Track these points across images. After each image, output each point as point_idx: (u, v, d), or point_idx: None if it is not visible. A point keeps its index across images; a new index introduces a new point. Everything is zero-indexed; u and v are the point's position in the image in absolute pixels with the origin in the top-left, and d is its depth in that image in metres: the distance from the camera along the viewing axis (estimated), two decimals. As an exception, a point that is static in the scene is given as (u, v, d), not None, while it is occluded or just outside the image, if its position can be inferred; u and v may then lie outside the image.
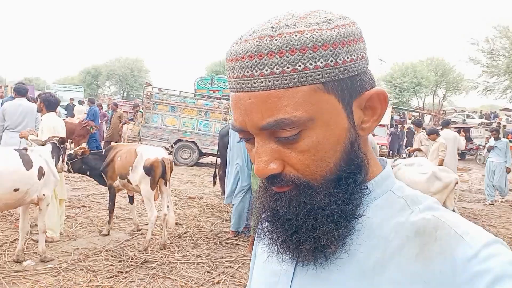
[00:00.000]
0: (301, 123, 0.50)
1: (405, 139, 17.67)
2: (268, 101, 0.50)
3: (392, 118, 21.32)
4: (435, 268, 0.47)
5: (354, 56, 0.52)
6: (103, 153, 4.81)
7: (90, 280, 3.43)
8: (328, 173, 0.53)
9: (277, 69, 0.49)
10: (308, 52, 0.49)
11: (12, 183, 3.37)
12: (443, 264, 0.47)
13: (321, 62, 0.50)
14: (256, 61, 0.50)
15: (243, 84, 0.51)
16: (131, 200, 4.98)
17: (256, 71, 0.50)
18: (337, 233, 0.52)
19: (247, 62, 0.50)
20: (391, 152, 16.71)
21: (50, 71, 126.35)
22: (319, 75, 0.50)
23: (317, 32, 0.49)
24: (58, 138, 4.06)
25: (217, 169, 6.27)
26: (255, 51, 0.50)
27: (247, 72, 0.50)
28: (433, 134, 7.06)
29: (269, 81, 0.49)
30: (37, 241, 3.87)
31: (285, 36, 0.49)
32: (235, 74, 0.52)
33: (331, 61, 0.50)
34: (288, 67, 0.49)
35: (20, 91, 5.35)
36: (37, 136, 4.22)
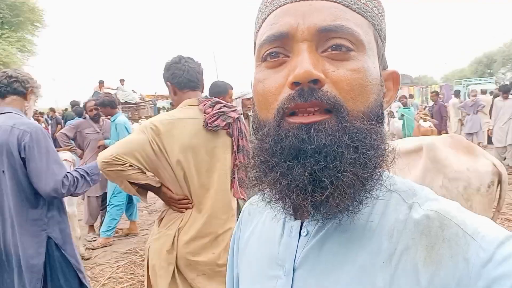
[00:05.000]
0: (358, 41, 0.50)
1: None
2: (332, 8, 0.50)
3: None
4: (447, 273, 0.44)
5: (386, 30, 0.57)
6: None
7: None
8: (366, 107, 0.49)
9: None
10: None
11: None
12: (456, 269, 0.43)
13: (375, 11, 0.54)
14: None
15: None
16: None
17: None
18: (371, 179, 0.48)
19: None
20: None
21: (436, 67, 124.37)
22: (373, 17, 0.54)
23: None
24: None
25: None
26: None
27: None
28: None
29: None
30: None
31: None
32: None
33: (380, 16, 0.55)
34: None
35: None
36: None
